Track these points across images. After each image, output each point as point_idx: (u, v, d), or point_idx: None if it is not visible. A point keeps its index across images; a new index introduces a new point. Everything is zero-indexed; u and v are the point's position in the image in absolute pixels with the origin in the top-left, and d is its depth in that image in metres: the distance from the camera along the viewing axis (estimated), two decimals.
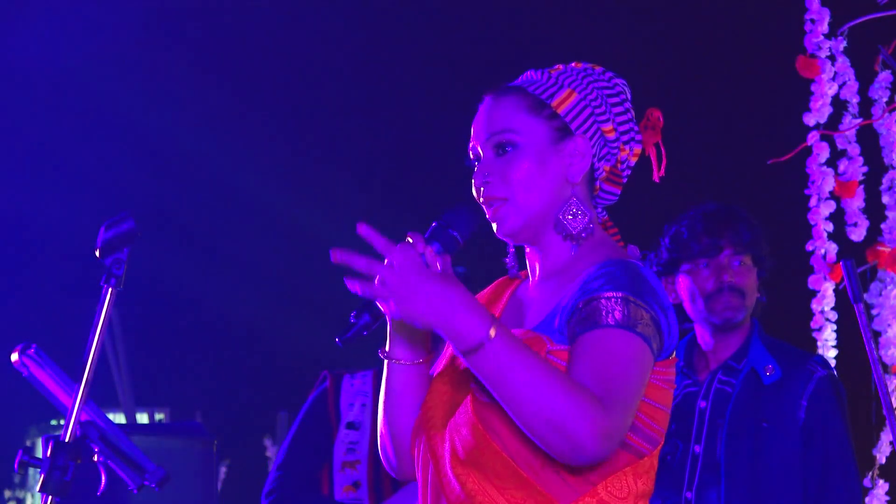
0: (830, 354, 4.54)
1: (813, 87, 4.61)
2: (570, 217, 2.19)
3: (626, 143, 2.25)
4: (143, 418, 13.31)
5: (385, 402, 2.24)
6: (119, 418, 8.15)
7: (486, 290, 2.33)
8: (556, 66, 2.26)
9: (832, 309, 4.61)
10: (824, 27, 4.59)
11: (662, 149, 2.30)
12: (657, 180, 2.30)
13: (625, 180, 2.27)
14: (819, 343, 4.59)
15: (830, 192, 4.62)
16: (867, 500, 4.49)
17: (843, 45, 4.61)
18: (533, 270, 2.25)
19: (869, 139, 4.55)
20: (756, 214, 3.69)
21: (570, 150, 2.20)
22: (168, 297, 12.44)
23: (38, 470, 2.34)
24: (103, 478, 2.48)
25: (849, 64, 4.60)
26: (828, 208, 4.62)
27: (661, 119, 2.28)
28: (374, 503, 3.67)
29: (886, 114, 4.49)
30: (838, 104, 4.61)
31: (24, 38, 10.38)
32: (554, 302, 2.15)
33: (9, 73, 10.58)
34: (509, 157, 2.19)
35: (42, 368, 2.55)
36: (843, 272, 3.31)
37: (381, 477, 3.67)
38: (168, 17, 11.06)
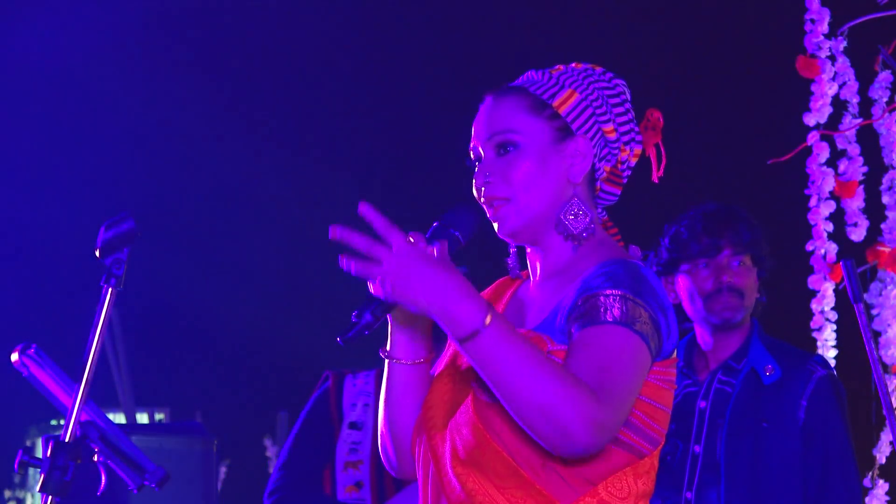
0: (830, 354, 4.54)
1: (813, 87, 4.61)
2: (571, 217, 2.19)
3: (626, 143, 2.25)
4: (143, 418, 13.31)
5: (385, 402, 2.24)
6: (119, 418, 8.15)
7: (486, 290, 2.33)
8: (557, 67, 2.26)
9: (832, 309, 4.61)
10: (824, 27, 4.59)
11: (662, 149, 2.30)
12: (656, 181, 2.30)
13: (625, 181, 2.27)
14: (819, 343, 4.59)
15: (830, 192, 4.62)
16: (867, 500, 4.49)
17: (843, 45, 4.61)
18: (534, 270, 2.25)
19: (869, 139, 4.55)
20: (756, 214, 3.68)
21: (571, 151, 2.20)
22: (168, 297, 12.44)
23: (38, 470, 2.34)
24: (103, 478, 2.48)
25: (849, 64, 4.60)
26: (828, 208, 4.62)
27: (661, 119, 2.28)
28: (377, 503, 3.67)
29: (886, 114, 4.48)
30: (838, 104, 4.60)
31: (24, 38, 10.38)
32: (555, 302, 2.15)
33: (9, 73, 10.58)
34: (510, 157, 2.19)
35: (42, 368, 2.55)
36: (843, 272, 3.31)
37: (383, 477, 3.67)
38: (168, 17, 11.06)
